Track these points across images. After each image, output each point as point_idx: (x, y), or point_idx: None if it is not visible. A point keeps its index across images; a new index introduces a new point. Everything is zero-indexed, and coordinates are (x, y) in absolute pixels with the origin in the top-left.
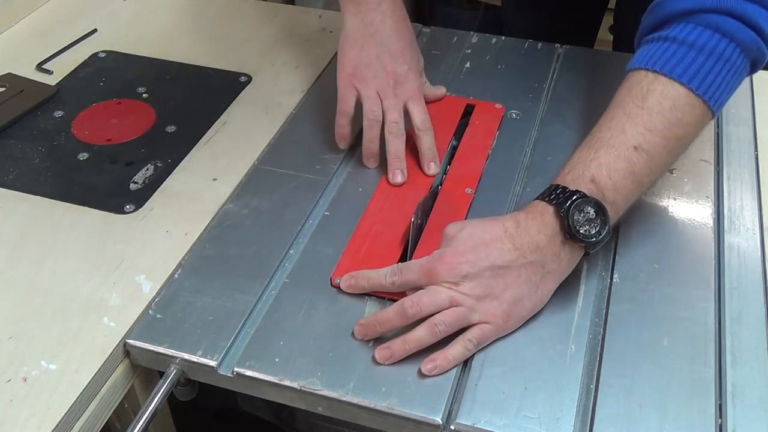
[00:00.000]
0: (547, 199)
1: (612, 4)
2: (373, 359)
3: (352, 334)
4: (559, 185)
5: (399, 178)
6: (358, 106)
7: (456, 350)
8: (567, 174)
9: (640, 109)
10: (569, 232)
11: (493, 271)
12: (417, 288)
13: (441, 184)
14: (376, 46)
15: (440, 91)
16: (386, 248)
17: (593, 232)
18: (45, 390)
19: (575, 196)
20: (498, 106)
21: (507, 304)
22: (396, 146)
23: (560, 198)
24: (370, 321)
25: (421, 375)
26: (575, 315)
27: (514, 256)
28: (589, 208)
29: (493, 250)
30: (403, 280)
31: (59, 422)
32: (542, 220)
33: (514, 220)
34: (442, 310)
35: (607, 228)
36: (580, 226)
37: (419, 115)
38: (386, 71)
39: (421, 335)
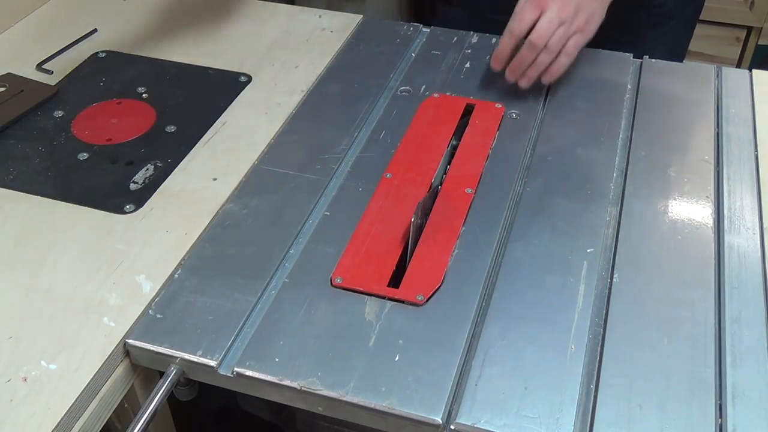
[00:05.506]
0: None
1: None
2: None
3: None
4: None
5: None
6: None
7: (563, 60)
8: None
9: None
10: None
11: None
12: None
13: (441, 184)
14: None
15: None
16: (386, 248)
17: None
18: (45, 390)
19: None
20: (498, 106)
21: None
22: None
23: None
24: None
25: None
26: (575, 315)
27: None
28: None
29: None
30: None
31: (59, 422)
32: None
33: None
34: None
35: None
36: None
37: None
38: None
39: (544, 59)
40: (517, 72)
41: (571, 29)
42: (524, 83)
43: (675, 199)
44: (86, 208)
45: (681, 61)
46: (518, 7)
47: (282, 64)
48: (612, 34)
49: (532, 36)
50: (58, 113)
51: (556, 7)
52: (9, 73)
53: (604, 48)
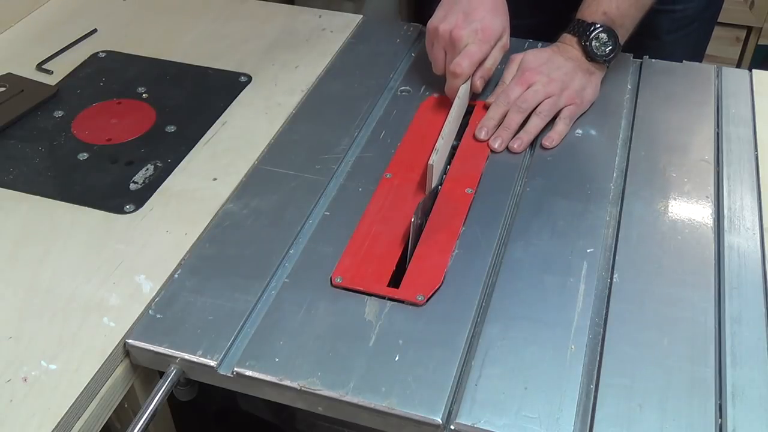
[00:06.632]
0: (572, 32)
1: None
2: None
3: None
4: (580, 20)
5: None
6: None
7: (560, 127)
8: (585, 9)
9: None
10: (590, 56)
11: (561, 71)
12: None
13: (441, 184)
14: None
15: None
16: (386, 248)
17: (607, 51)
18: (45, 390)
19: (592, 29)
20: None
21: (575, 91)
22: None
23: (581, 30)
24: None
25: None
26: (575, 315)
27: (569, 64)
28: (603, 35)
29: (556, 62)
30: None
31: (59, 422)
32: (572, 47)
33: (557, 48)
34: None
35: (617, 45)
36: (597, 49)
37: None
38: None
39: (535, 123)
40: (504, 135)
41: (560, 101)
42: (516, 146)
43: (675, 199)
44: (86, 208)
45: (700, 62)
46: (505, 86)
47: (282, 64)
48: (633, 38)
49: (518, 100)
50: (58, 113)
51: (542, 82)
52: (9, 73)
53: (626, 52)
